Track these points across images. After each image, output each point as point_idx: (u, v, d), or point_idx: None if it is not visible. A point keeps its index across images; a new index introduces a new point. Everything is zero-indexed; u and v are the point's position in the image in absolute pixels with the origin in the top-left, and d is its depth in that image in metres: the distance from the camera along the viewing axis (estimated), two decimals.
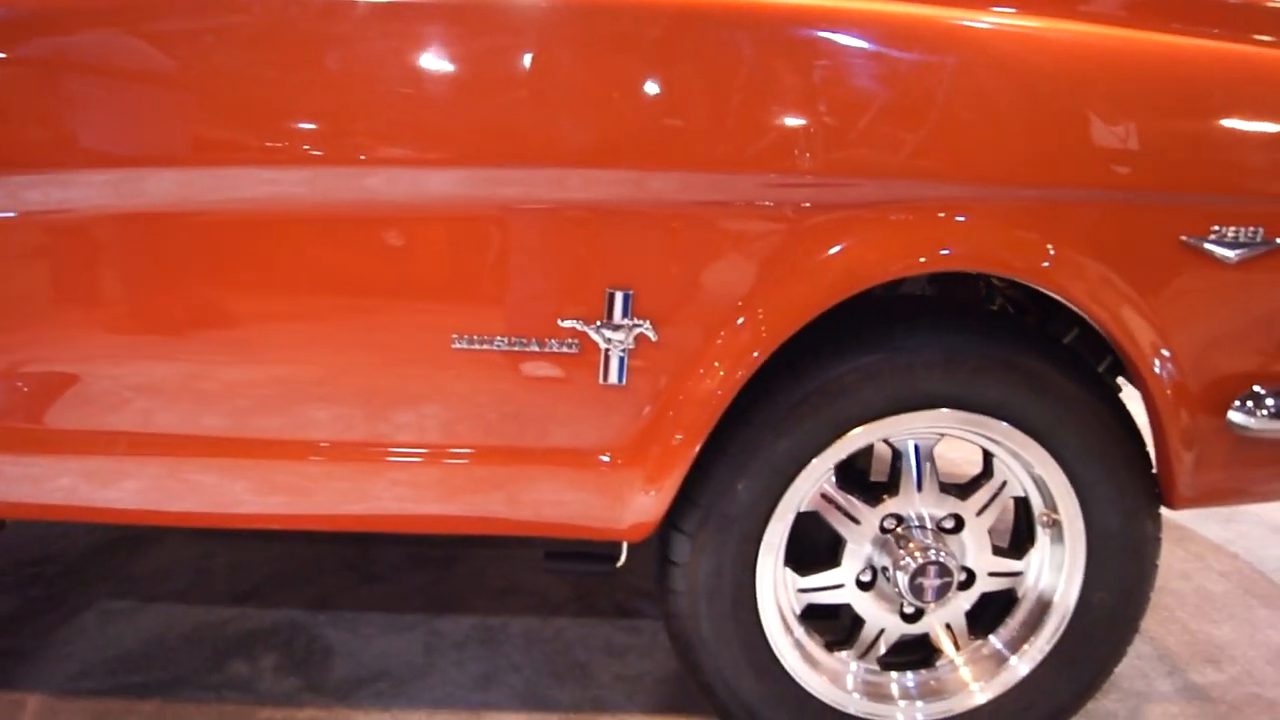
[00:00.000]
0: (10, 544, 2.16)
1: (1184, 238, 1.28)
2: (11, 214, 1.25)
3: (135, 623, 1.88)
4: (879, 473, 1.52)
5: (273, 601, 1.97)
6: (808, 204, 1.24)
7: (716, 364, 1.28)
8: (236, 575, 2.06)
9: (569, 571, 1.52)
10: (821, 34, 1.22)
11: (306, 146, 1.22)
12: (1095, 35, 1.27)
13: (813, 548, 1.47)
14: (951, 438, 1.42)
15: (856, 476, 1.49)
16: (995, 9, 1.28)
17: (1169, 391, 1.33)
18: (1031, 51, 1.25)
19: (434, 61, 1.21)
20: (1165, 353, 1.32)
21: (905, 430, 1.39)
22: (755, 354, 1.27)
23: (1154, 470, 1.41)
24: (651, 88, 1.21)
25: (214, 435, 1.33)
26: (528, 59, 1.21)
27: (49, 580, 2.03)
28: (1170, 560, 2.29)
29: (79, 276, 1.29)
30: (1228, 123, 1.28)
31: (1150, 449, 1.41)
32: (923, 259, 1.27)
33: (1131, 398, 1.41)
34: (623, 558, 1.46)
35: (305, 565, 2.10)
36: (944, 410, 1.35)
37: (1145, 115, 1.26)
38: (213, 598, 1.97)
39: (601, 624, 1.92)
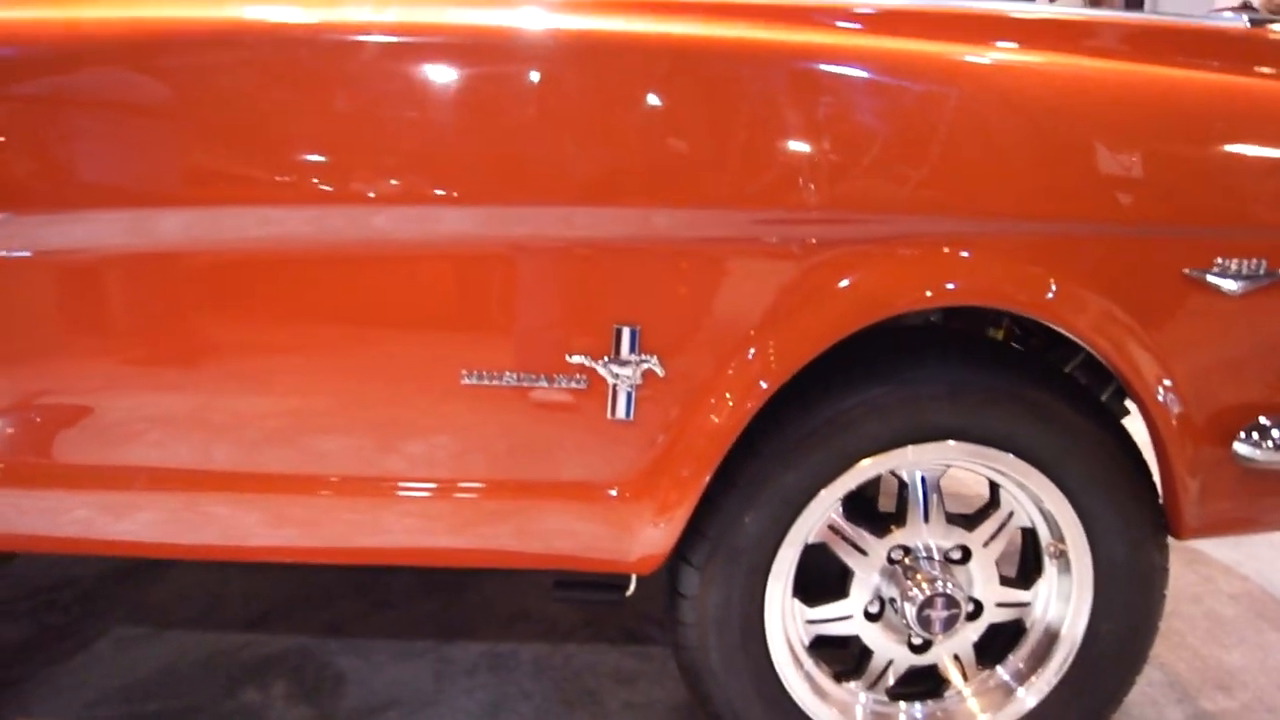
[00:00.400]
0: (25, 570, 2.18)
1: (1187, 270, 1.29)
2: (27, 253, 1.28)
3: (150, 650, 1.89)
4: (887, 500, 1.53)
5: (285, 628, 1.98)
6: (814, 240, 1.25)
7: (724, 399, 1.29)
8: (250, 601, 2.08)
9: (578, 601, 1.53)
10: (826, 70, 1.24)
11: (315, 186, 1.23)
12: (1098, 69, 1.28)
13: (821, 578, 1.47)
14: (959, 467, 1.43)
15: (864, 505, 1.50)
16: (999, 43, 1.29)
17: (1174, 423, 1.34)
18: (1035, 86, 1.27)
19: (441, 101, 1.23)
20: (1169, 385, 1.32)
21: (912, 462, 1.39)
22: (763, 388, 1.29)
23: (1160, 501, 1.42)
24: (657, 125, 1.23)
25: (227, 470, 1.34)
26: (534, 98, 1.23)
27: (64, 607, 2.04)
28: (1180, 583, 2.28)
29: (93, 315, 1.30)
30: (1230, 156, 1.29)
31: (1156, 479, 1.42)
32: (929, 293, 1.28)
33: (1136, 419, 1.41)
34: (631, 587, 1.47)
35: (317, 591, 2.11)
36: (951, 442, 1.36)
37: (1148, 149, 1.27)
38: (226, 624, 1.99)
39: (611, 650, 1.93)
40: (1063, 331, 1.32)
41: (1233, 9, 4.54)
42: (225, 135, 1.24)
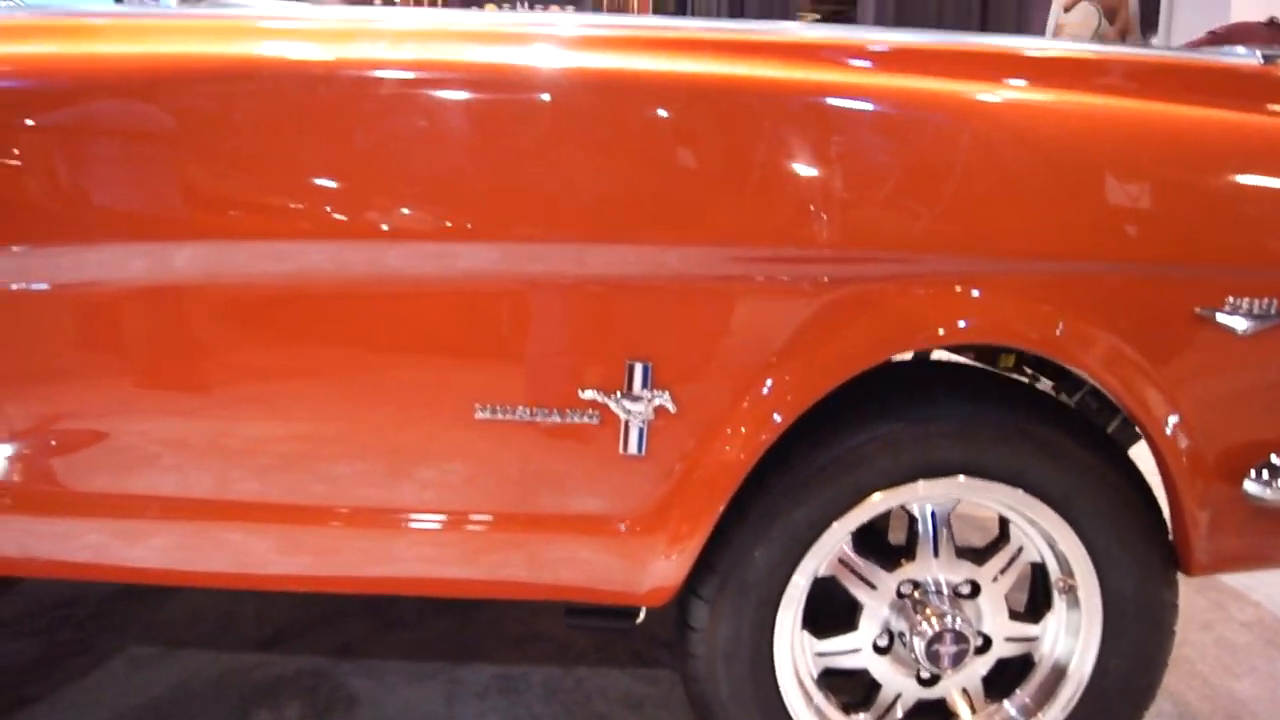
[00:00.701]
0: (38, 586, 2.20)
1: (1198, 309, 1.29)
2: (45, 285, 1.29)
3: (163, 669, 1.91)
4: (897, 531, 1.54)
5: (297, 647, 1.99)
6: (826, 278, 1.26)
7: (736, 435, 1.30)
8: (263, 620, 2.09)
9: (590, 628, 1.54)
10: (837, 109, 1.25)
11: (331, 220, 1.25)
12: (1110, 107, 1.29)
13: (830, 609, 1.48)
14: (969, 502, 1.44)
15: (874, 539, 1.50)
16: (1010, 81, 1.30)
17: (1184, 460, 1.34)
18: (1046, 124, 1.27)
19: (455, 137, 1.24)
20: (1180, 423, 1.32)
21: (923, 497, 1.40)
22: (775, 424, 1.29)
23: (1170, 537, 1.42)
24: (668, 162, 1.24)
25: (241, 500, 1.36)
26: (546, 135, 1.24)
27: (78, 623, 2.06)
28: (1191, 609, 2.28)
29: (109, 347, 1.32)
30: (1242, 195, 1.29)
31: (1166, 516, 1.42)
32: (941, 331, 1.29)
33: (1144, 450, 1.42)
34: (642, 614, 1.48)
35: (330, 610, 2.13)
36: (961, 478, 1.37)
37: (1159, 188, 1.27)
38: (239, 643, 2.00)
39: (621, 675, 1.93)
40: (1073, 370, 1.32)
41: (1262, 24, 4.53)
42: (241, 170, 1.25)
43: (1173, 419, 1.32)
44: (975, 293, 1.27)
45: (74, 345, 1.32)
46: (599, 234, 1.25)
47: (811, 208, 1.23)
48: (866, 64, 1.30)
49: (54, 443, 1.35)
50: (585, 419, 1.30)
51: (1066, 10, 9.93)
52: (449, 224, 1.25)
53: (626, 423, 1.30)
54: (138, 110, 1.26)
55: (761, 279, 1.27)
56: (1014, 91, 1.29)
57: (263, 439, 1.34)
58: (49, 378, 1.33)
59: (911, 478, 1.36)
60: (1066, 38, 9.90)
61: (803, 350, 1.27)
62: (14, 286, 1.29)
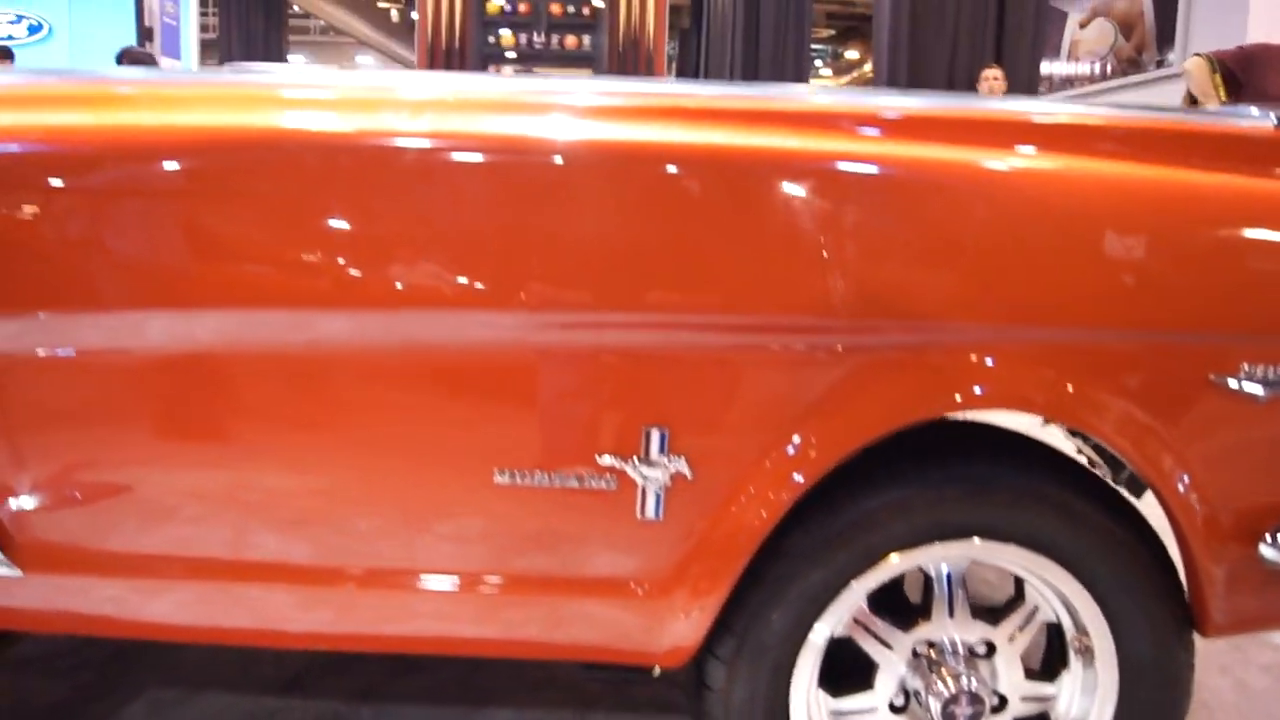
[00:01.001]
0: None
1: (1212, 376, 1.30)
2: (70, 351, 1.31)
3: (184, 712, 1.92)
4: (912, 584, 1.54)
5: (317, 691, 2.01)
6: (840, 347, 1.27)
7: (752, 500, 1.31)
8: (282, 663, 2.11)
9: (607, 679, 1.55)
10: (849, 177, 1.26)
11: (350, 289, 1.27)
12: (1121, 173, 1.30)
13: (846, 668, 1.48)
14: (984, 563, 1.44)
15: (889, 595, 1.51)
16: (1019, 148, 1.31)
17: (1199, 523, 1.35)
18: (1058, 191, 1.28)
19: (474, 208, 1.26)
20: (1194, 487, 1.33)
21: (938, 558, 1.41)
22: (792, 490, 1.30)
23: (1186, 598, 1.42)
24: (682, 232, 1.26)
25: (263, 560, 1.37)
26: (562, 204, 1.26)
27: (98, 665, 2.08)
28: (1208, 652, 2.27)
29: (131, 412, 1.34)
30: (1255, 261, 1.30)
31: (1182, 577, 1.42)
32: (958, 398, 1.30)
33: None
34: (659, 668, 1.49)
35: (348, 654, 2.14)
36: (976, 540, 1.37)
37: (1172, 255, 1.28)
38: (259, 687, 2.02)
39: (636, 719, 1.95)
40: (1088, 435, 1.33)
41: None
42: (262, 239, 1.28)
43: (1187, 483, 1.33)
44: (990, 361, 1.28)
45: (98, 409, 1.34)
46: (615, 302, 1.27)
47: (825, 277, 1.25)
48: (877, 132, 1.31)
49: (78, 502, 1.37)
50: (603, 484, 1.31)
51: (1082, 27, 9.92)
52: (467, 292, 1.27)
53: (644, 488, 1.31)
54: (158, 178, 1.28)
55: (777, 347, 1.28)
56: (1025, 159, 1.30)
57: (285, 500, 1.36)
58: (75, 440, 1.35)
59: (927, 540, 1.37)
60: (1083, 54, 9.88)
61: (819, 418, 1.28)
62: (40, 352, 1.31)
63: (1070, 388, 1.29)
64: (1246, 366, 1.30)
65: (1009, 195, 1.28)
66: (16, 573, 1.38)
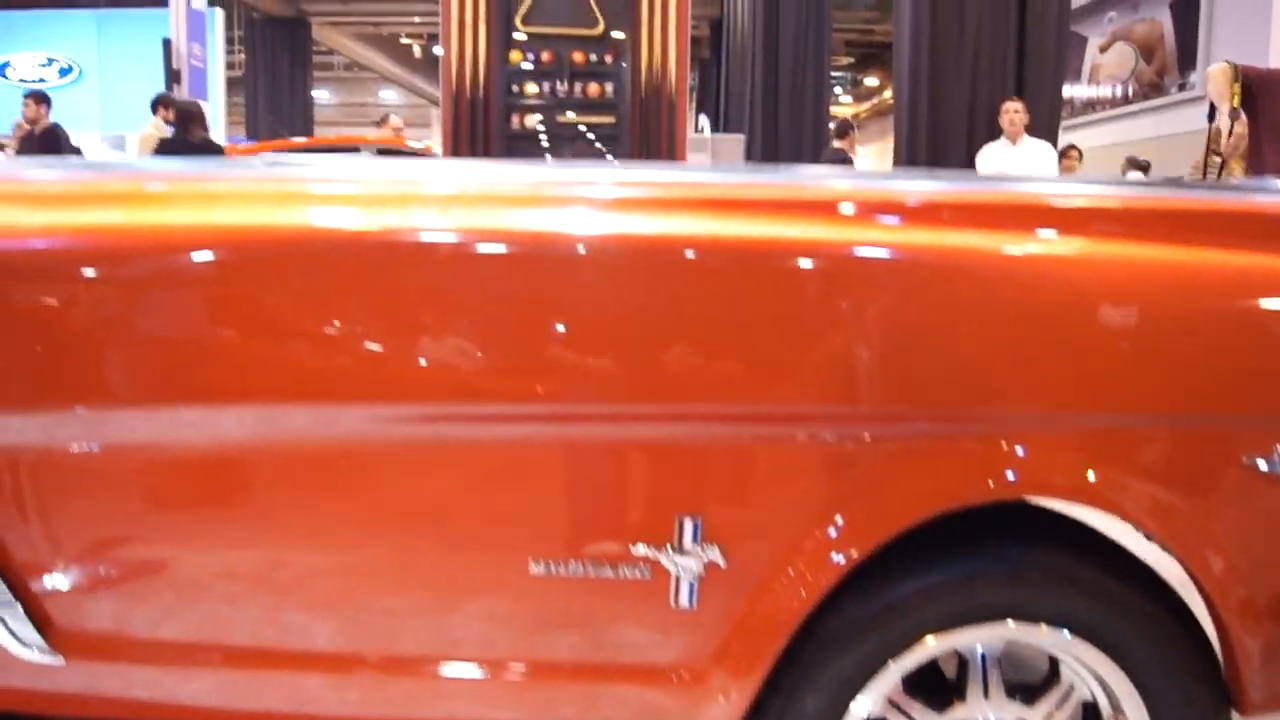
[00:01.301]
0: None
1: (1245, 459, 1.30)
2: (95, 447, 1.34)
3: None
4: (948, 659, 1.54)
5: None
6: (868, 436, 1.29)
7: (787, 588, 1.32)
8: None
9: None
10: (871, 266, 1.28)
11: (378, 386, 1.29)
12: (1146, 256, 1.30)
13: None
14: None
15: (925, 673, 1.51)
16: (1040, 232, 1.32)
17: (1233, 604, 1.34)
18: (1083, 277, 1.29)
19: (501, 302, 1.29)
20: (1228, 569, 1.33)
21: (971, 640, 1.41)
22: (827, 577, 1.31)
23: (1224, 677, 1.42)
24: (707, 324, 1.28)
25: (302, 650, 1.39)
26: (589, 297, 1.29)
27: None
28: None
29: (167, 505, 1.37)
30: None
31: (1219, 655, 1.42)
32: (991, 484, 1.30)
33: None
34: None
35: None
36: (1010, 623, 1.37)
37: (1202, 339, 1.29)
38: None
39: None
40: (1121, 521, 1.33)
41: None
42: (292, 336, 1.30)
43: (1224, 567, 1.32)
44: (1021, 450, 1.29)
45: (129, 503, 1.37)
46: (644, 394, 1.29)
47: (850, 368, 1.26)
48: (899, 220, 1.32)
49: (118, 591, 1.40)
50: (637, 574, 1.33)
51: (1103, 51, 9.88)
52: (502, 386, 1.29)
53: (678, 577, 1.32)
54: (185, 274, 1.31)
55: (808, 437, 1.29)
56: (1049, 244, 1.31)
57: (318, 590, 1.38)
58: (115, 531, 1.38)
59: (960, 624, 1.37)
60: (1104, 78, 9.86)
61: (852, 507, 1.30)
62: (74, 448, 1.33)
63: (1102, 473, 1.29)
64: (1279, 448, 1.30)
65: (1032, 281, 1.29)
66: (59, 661, 1.41)
